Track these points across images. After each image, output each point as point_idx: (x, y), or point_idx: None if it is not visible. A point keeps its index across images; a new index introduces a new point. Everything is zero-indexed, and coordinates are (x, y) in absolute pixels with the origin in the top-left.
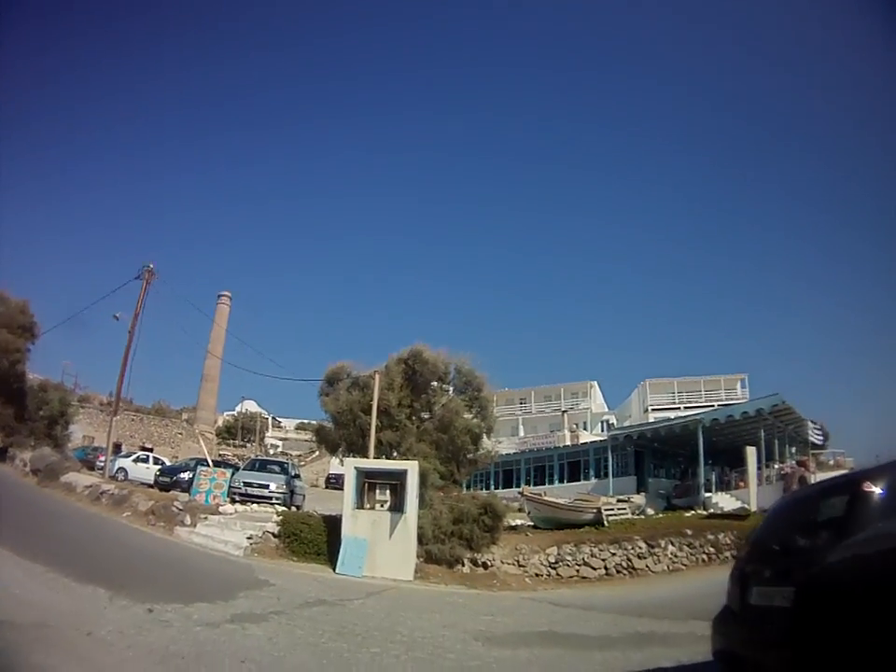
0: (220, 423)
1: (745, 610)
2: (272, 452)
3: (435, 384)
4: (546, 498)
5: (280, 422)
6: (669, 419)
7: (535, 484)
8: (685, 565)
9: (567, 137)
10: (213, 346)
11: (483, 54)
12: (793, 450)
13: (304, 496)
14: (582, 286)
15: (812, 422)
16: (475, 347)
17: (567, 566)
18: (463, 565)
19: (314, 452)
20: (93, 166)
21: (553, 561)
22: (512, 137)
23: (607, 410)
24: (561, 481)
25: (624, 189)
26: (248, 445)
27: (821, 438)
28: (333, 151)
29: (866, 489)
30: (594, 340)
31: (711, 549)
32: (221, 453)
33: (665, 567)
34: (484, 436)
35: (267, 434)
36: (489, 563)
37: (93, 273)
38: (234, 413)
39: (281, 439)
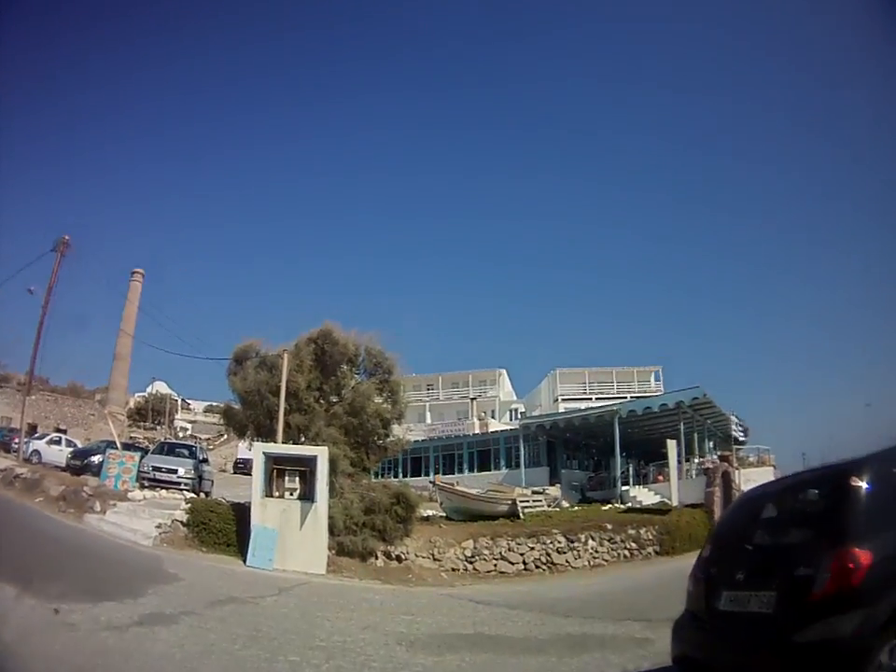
0: (132, 404)
1: (713, 616)
2: (181, 435)
3: (345, 366)
4: (459, 489)
5: (189, 404)
6: (584, 409)
7: (444, 473)
8: (606, 560)
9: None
10: (125, 324)
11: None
12: (711, 445)
13: (213, 481)
14: (492, 274)
15: (735, 416)
16: (383, 331)
17: (485, 560)
18: (376, 558)
19: (222, 435)
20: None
21: (470, 555)
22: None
23: (515, 398)
24: (471, 470)
25: (534, 183)
26: (158, 428)
27: (743, 433)
28: (250, 134)
29: (853, 484)
30: (503, 327)
31: (633, 544)
32: (132, 435)
33: (586, 563)
34: (395, 422)
35: (176, 416)
36: (403, 556)
37: (11, 249)
38: (145, 394)
39: (190, 421)
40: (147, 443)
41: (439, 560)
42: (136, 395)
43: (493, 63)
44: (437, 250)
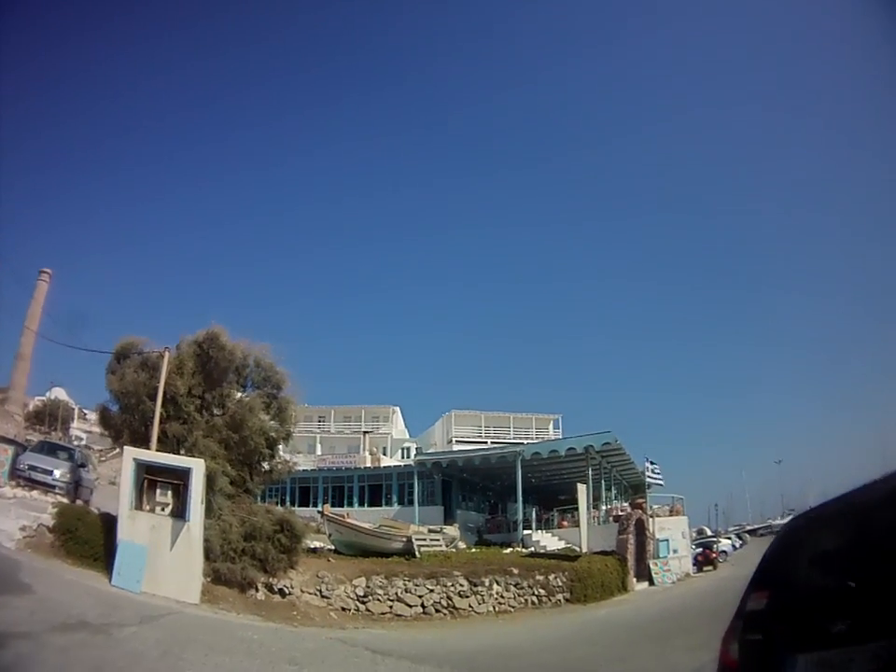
0: (31, 407)
1: None
2: (76, 444)
3: (232, 376)
4: (350, 521)
5: (86, 413)
6: (485, 448)
7: (334, 505)
8: (513, 607)
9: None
10: (29, 322)
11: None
12: (614, 493)
13: (93, 489)
14: (390, 311)
15: (650, 463)
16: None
17: (379, 600)
18: (257, 590)
19: (115, 448)
20: None
21: (362, 594)
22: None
23: (408, 437)
24: (361, 504)
25: (429, 214)
26: (52, 434)
27: (660, 480)
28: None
29: None
30: (398, 364)
31: (542, 590)
32: (27, 437)
33: (491, 609)
34: (282, 442)
35: (72, 425)
36: (287, 590)
37: None
38: (44, 398)
39: (86, 431)
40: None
41: (327, 597)
42: (36, 398)
43: None
44: (333, 283)
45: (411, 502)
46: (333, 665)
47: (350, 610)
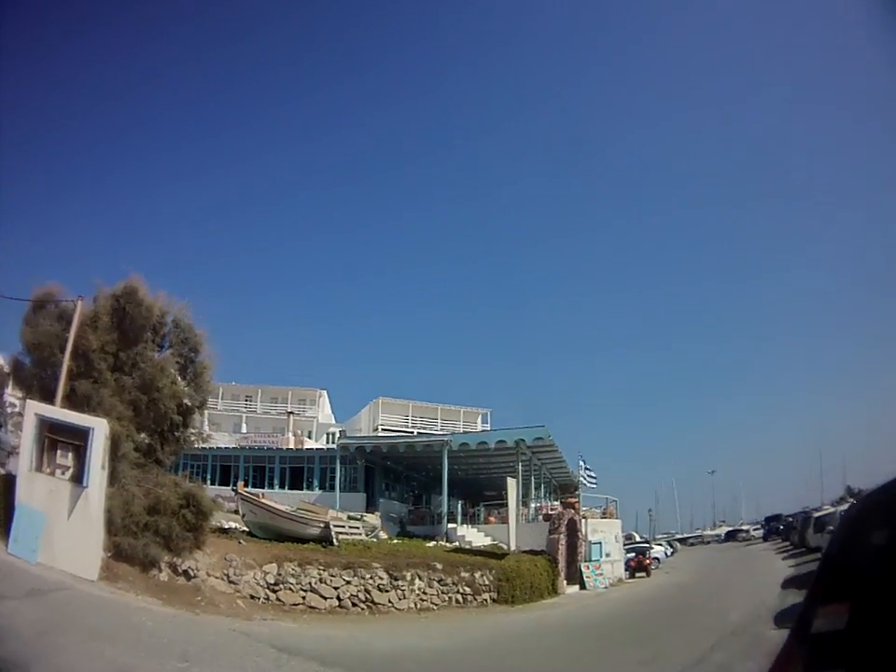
0: None
1: None
2: (9, 411)
3: (149, 335)
4: (265, 501)
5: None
6: (412, 435)
7: (254, 486)
8: (436, 604)
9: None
10: None
11: None
12: (545, 492)
13: (11, 452)
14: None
15: (583, 462)
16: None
17: (291, 590)
18: (160, 570)
19: None
20: None
21: (273, 582)
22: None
23: (334, 422)
24: (282, 486)
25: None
26: None
27: (594, 481)
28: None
29: None
30: (327, 348)
31: (467, 588)
32: None
33: (413, 605)
34: (197, 410)
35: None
36: (192, 572)
37: None
38: None
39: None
40: None
41: (234, 583)
42: None
43: None
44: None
45: (332, 487)
46: (229, 663)
47: (259, 599)
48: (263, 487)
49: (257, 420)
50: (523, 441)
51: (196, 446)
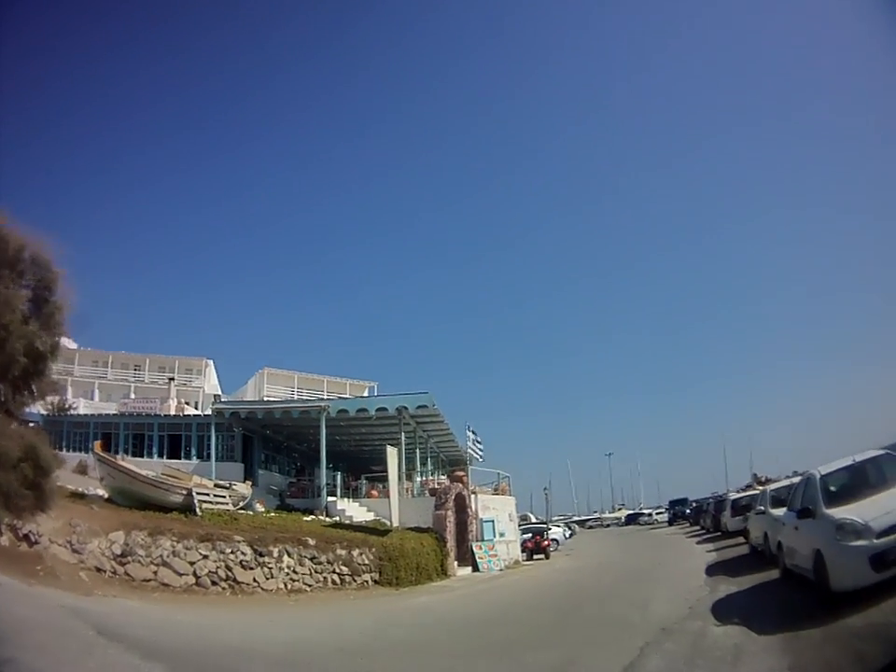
0: None
1: None
2: None
3: (5, 271)
4: (123, 464)
5: None
6: (287, 401)
7: (133, 455)
8: (309, 585)
9: None
10: None
11: None
12: (431, 467)
13: None
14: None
15: (472, 433)
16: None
17: (140, 563)
18: (1, 533)
19: None
20: None
21: (120, 553)
22: None
23: (220, 393)
24: (160, 455)
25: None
26: None
27: (481, 454)
28: None
29: None
30: (213, 316)
31: (344, 568)
32: None
33: (282, 585)
34: (50, 357)
35: None
36: (34, 537)
37: None
38: None
39: None
40: None
41: (79, 552)
42: None
43: None
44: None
45: (210, 456)
46: (34, 643)
47: (106, 572)
48: (143, 456)
49: (145, 390)
50: (405, 408)
51: (48, 394)
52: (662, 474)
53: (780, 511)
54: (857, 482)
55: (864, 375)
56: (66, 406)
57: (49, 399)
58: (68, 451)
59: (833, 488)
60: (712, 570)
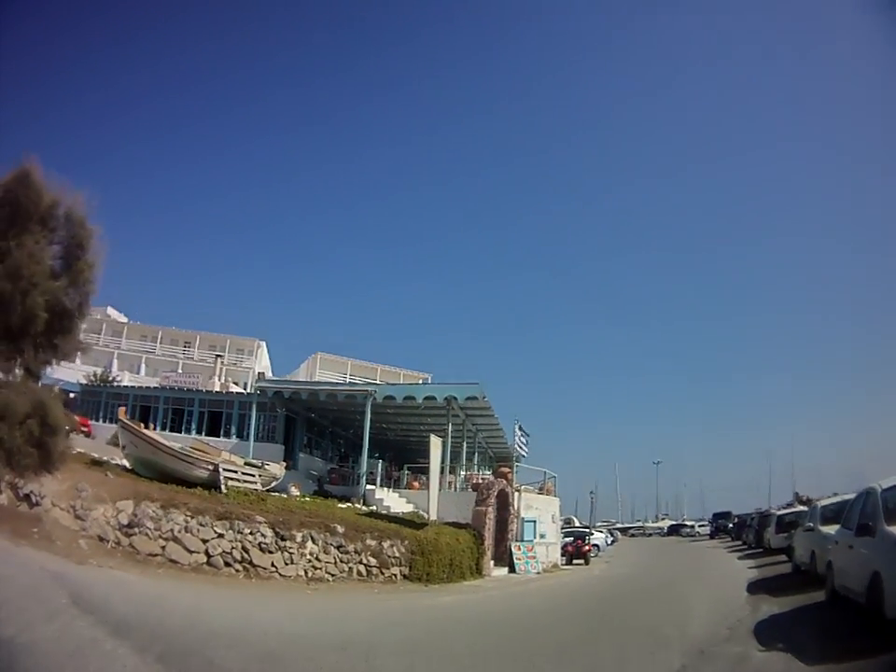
0: None
1: None
2: None
3: (36, 226)
4: (146, 432)
5: None
6: (333, 383)
7: (171, 430)
8: (331, 574)
9: None
10: None
11: None
12: (478, 461)
13: None
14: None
15: (520, 428)
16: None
17: (148, 536)
18: (0, 491)
19: None
20: None
21: (127, 523)
22: None
23: (271, 374)
24: (199, 432)
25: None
26: None
27: (525, 450)
28: None
29: None
30: (269, 298)
31: (372, 559)
32: None
33: (302, 573)
34: (77, 315)
35: None
36: (36, 498)
37: None
38: None
39: None
40: None
41: (82, 518)
42: None
43: None
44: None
45: (249, 436)
46: None
47: (109, 542)
48: (181, 432)
49: (193, 367)
50: (454, 398)
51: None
52: (707, 487)
53: (831, 529)
54: None
55: None
56: (109, 378)
57: (86, 366)
58: (104, 422)
59: (894, 505)
60: (753, 588)
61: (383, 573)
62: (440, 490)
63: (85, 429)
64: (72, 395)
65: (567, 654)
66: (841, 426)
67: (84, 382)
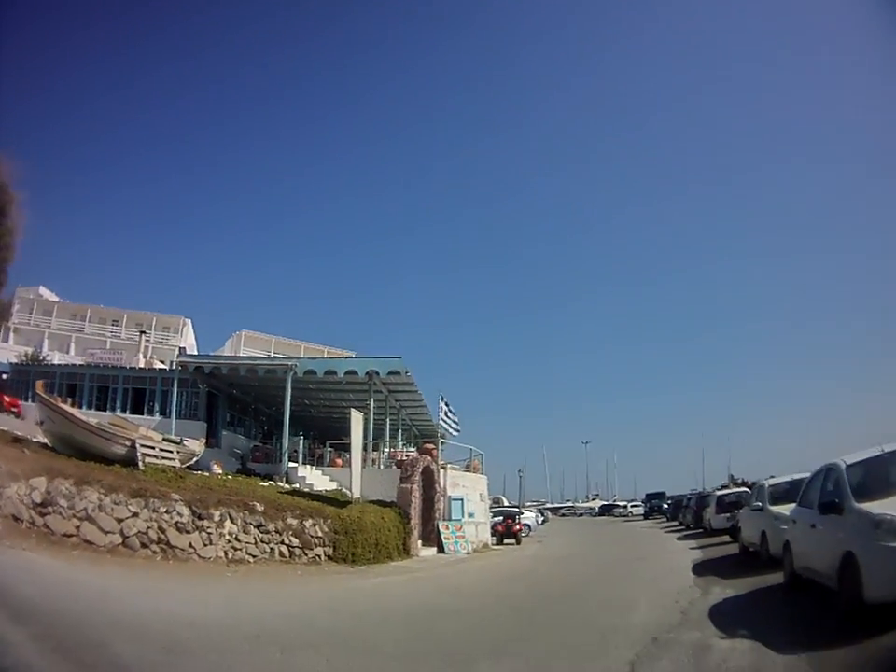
0: None
1: None
2: None
3: None
4: (63, 407)
5: None
6: (252, 358)
7: (97, 409)
8: (252, 555)
9: None
10: None
11: None
12: (401, 439)
13: None
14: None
15: (445, 404)
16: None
17: (62, 515)
18: None
19: None
20: None
21: (40, 502)
22: None
23: (197, 353)
24: (124, 410)
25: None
26: None
27: (456, 427)
28: None
29: None
30: (193, 276)
31: (294, 540)
32: None
33: (222, 554)
34: None
35: None
36: None
37: None
38: None
39: None
40: None
41: None
42: None
43: None
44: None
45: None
46: None
47: (24, 522)
48: (105, 410)
49: (121, 345)
50: (376, 373)
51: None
52: (637, 468)
53: (783, 509)
54: (887, 474)
55: (846, 394)
56: (40, 357)
57: (18, 346)
58: (33, 402)
59: (860, 481)
60: (700, 570)
61: (306, 554)
62: (363, 467)
63: (15, 409)
64: (4, 375)
65: (504, 646)
66: (775, 418)
67: (15, 361)
